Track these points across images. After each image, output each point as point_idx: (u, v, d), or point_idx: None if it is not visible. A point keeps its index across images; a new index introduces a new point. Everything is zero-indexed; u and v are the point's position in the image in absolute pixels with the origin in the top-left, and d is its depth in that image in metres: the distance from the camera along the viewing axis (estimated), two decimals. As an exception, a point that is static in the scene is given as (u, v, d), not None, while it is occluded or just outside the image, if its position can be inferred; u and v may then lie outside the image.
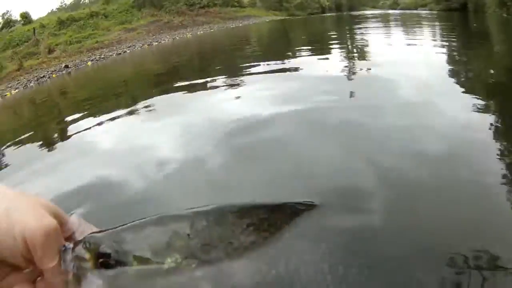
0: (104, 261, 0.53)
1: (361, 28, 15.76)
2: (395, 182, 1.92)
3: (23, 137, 4.77)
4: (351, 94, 3.82)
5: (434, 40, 9.48)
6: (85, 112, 5.47)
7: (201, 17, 42.51)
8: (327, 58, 7.01)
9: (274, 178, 2.15)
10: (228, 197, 2.01)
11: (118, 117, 4.60)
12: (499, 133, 2.49)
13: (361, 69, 5.31)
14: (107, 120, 4.52)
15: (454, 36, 10.69)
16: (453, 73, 4.79)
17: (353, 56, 7.15)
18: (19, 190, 0.53)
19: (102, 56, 23.37)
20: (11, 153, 4.07)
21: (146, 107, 4.92)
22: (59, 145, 4.17)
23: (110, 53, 24.57)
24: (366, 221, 1.59)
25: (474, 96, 3.36)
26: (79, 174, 2.79)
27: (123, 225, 0.57)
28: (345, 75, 5.08)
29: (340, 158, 2.32)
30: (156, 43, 28.32)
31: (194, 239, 0.55)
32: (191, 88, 5.68)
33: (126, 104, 5.56)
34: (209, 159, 2.62)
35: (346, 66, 5.88)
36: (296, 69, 6.03)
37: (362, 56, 7.17)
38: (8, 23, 41.54)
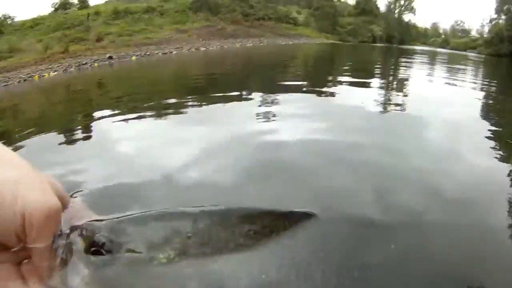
0: (96, 250, 0.52)
1: (407, 62, 15.74)
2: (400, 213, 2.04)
3: (43, 126, 4.73)
4: (378, 131, 3.88)
5: (475, 83, 9.36)
6: (115, 109, 5.43)
7: (254, 29, 42.78)
8: (366, 87, 7.08)
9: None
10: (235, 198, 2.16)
11: (146, 117, 4.60)
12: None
13: (396, 104, 5.36)
14: (134, 119, 4.50)
15: (495, 82, 10.50)
16: (485, 117, 4.84)
17: (392, 90, 7.15)
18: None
19: (148, 53, 23.64)
20: (30, 140, 3.99)
21: (175, 112, 4.93)
22: (77, 139, 4.19)
23: (157, 51, 24.86)
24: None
25: (501, 145, 3.37)
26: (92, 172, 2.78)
27: (124, 215, 0.57)
28: (380, 111, 5.05)
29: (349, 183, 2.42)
30: (204, 49, 28.62)
31: (191, 238, 0.55)
32: (225, 100, 5.71)
33: (157, 106, 5.58)
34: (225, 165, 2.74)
35: (382, 101, 5.85)
36: (332, 95, 6.08)
37: (400, 90, 7.18)
38: (65, 4, 41.68)
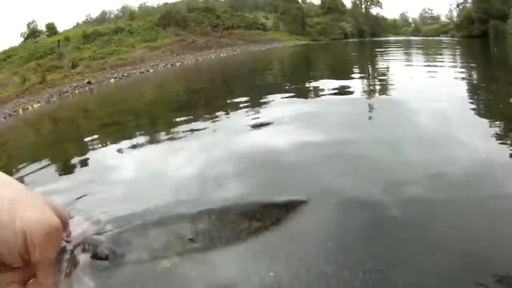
0: (100, 263, 0.55)
1: (382, 52, 16.27)
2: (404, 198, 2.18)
3: (38, 158, 4.76)
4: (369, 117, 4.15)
5: (454, 66, 9.67)
6: (104, 135, 5.52)
7: (225, 39, 42.80)
8: (348, 79, 7.19)
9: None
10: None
11: (136, 145, 4.60)
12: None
13: (379, 93, 5.64)
14: (127, 147, 4.51)
15: (473, 62, 10.87)
16: (471, 98, 5.07)
17: (374, 80, 7.36)
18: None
19: (125, 74, 23.37)
20: (25, 172, 4.08)
21: (163, 132, 5.11)
22: (72, 168, 4.22)
23: (133, 71, 24.57)
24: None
25: (490, 120, 3.67)
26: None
27: (124, 226, 0.56)
28: (365, 97, 5.35)
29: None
30: (179, 63, 28.50)
31: (192, 241, 0.56)
32: (211, 112, 5.87)
33: (144, 129, 5.69)
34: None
35: (365, 90, 6.12)
36: (315, 93, 6.31)
37: (383, 78, 7.54)
38: (34, 33, 41.83)
